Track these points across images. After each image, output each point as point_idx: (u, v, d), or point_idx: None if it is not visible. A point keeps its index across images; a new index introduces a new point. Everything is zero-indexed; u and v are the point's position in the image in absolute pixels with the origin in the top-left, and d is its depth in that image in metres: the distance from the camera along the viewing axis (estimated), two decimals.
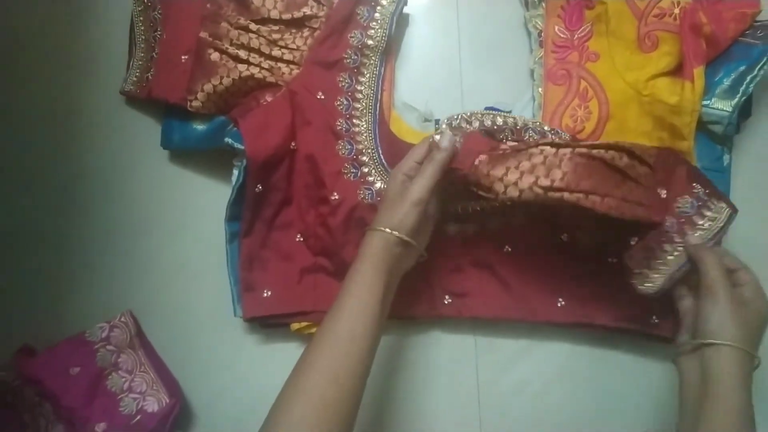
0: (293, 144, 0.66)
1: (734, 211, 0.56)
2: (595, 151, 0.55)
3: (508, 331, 0.69)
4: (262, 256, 0.67)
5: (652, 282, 0.57)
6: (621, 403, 0.68)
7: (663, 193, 0.56)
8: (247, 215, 0.66)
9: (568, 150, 0.55)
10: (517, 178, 0.55)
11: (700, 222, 0.56)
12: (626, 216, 0.54)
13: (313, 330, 0.68)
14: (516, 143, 0.60)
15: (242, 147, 0.63)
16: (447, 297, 0.67)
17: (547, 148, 0.56)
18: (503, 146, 0.59)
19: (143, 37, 0.71)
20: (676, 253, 0.56)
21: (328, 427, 0.45)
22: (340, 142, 0.66)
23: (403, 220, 0.54)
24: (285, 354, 0.70)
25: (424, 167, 0.56)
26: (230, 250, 0.67)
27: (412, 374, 0.69)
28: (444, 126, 0.65)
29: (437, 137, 0.58)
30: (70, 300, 0.72)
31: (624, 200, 0.54)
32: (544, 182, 0.54)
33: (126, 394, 0.68)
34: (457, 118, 0.65)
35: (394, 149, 0.67)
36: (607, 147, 0.55)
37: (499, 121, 0.63)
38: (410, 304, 0.66)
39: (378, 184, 0.66)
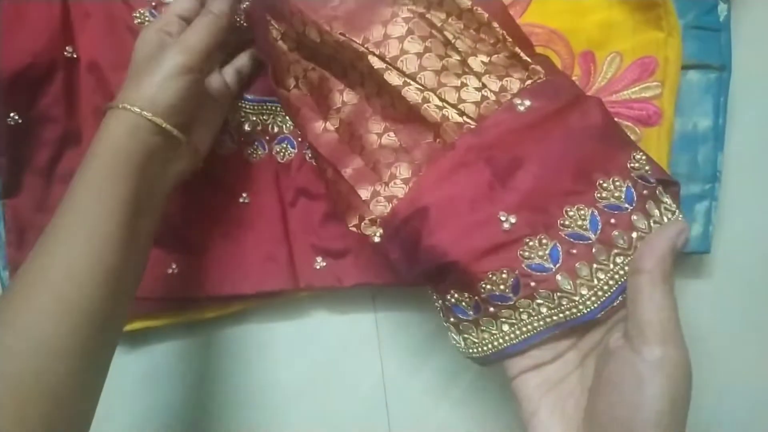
0: (69, 49, 0.44)
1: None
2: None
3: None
4: (41, 223, 0.45)
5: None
6: None
7: None
8: (3, 163, 0.43)
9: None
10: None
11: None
12: None
13: None
14: None
15: None
16: (319, 259, 0.45)
17: None
18: None
19: None
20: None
21: None
22: None
23: (157, 95, 0.36)
24: None
25: (196, 20, 0.38)
26: None
27: (299, 370, 0.48)
28: None
29: None
30: None
31: None
32: None
33: None
34: None
35: None
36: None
37: None
38: (256, 273, 0.44)
39: None
